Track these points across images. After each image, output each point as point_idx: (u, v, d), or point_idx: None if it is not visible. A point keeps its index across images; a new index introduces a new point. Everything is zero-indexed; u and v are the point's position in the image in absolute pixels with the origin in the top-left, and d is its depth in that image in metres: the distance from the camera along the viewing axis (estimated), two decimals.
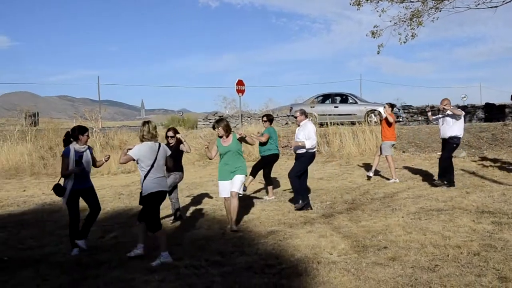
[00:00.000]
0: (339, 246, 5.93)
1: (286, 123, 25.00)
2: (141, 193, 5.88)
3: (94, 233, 7.59)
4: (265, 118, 9.77)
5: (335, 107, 19.14)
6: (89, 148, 6.52)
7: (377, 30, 17.09)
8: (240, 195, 7.27)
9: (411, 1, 16.21)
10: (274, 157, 9.57)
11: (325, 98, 20.30)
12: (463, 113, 9.51)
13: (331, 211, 8.07)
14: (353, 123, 17.22)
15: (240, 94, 24.32)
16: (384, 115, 11.30)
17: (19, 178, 15.26)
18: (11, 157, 16.65)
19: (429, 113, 10.77)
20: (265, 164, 9.59)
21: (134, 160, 5.74)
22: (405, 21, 16.40)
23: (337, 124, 17.13)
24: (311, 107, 19.53)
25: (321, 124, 18.05)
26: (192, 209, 8.98)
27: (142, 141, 5.82)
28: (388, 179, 10.85)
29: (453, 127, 9.39)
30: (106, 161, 6.91)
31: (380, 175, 11.64)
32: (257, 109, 30.03)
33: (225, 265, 5.46)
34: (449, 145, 9.47)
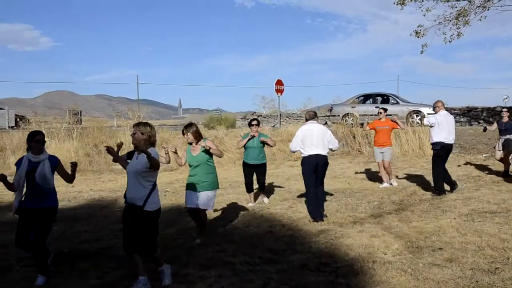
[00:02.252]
0: (393, 246, 5.90)
1: (325, 123, 24.91)
2: (140, 208, 4.72)
3: None
4: (255, 122, 9.21)
5: (376, 107, 18.92)
6: (51, 158, 5.29)
7: (421, 30, 16.90)
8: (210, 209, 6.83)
9: (457, 0, 15.91)
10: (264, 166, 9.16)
11: (366, 98, 20.12)
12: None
13: (379, 211, 8.02)
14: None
15: (279, 93, 24.41)
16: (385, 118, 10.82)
17: None
18: (58, 154, 17.10)
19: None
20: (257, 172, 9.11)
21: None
22: (450, 20, 16.10)
23: None
24: (352, 107, 19.40)
25: (362, 124, 17.87)
26: (238, 207, 9.04)
27: (150, 145, 4.84)
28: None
29: (431, 134, 9.22)
30: (73, 171, 5.37)
31: (425, 178, 11.46)
32: (295, 108, 30.05)
33: (279, 262, 5.50)
34: (433, 152, 9.33)
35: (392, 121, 10.66)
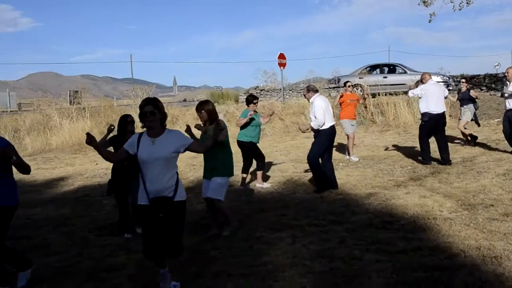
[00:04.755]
0: (446, 204, 6.22)
1: (329, 95, 25.14)
2: (169, 200, 3.88)
3: (191, 200, 7.96)
4: (256, 101, 8.32)
5: (384, 77, 19.19)
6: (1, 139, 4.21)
7: None
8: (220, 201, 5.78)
9: None
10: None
11: (373, 68, 20.39)
12: (412, 94, 9.19)
13: (416, 175, 8.33)
14: (406, 93, 17.24)
15: (282, 67, 24.50)
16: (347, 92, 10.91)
17: (83, 153, 15.84)
18: (73, 134, 17.28)
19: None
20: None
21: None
22: None
23: (390, 93, 17.22)
24: (359, 78, 19.62)
25: (374, 95, 18.14)
26: (278, 177, 9.27)
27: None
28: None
29: (421, 104, 9.08)
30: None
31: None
32: (296, 81, 30.11)
33: (343, 223, 5.79)
34: (420, 122, 9.30)
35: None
